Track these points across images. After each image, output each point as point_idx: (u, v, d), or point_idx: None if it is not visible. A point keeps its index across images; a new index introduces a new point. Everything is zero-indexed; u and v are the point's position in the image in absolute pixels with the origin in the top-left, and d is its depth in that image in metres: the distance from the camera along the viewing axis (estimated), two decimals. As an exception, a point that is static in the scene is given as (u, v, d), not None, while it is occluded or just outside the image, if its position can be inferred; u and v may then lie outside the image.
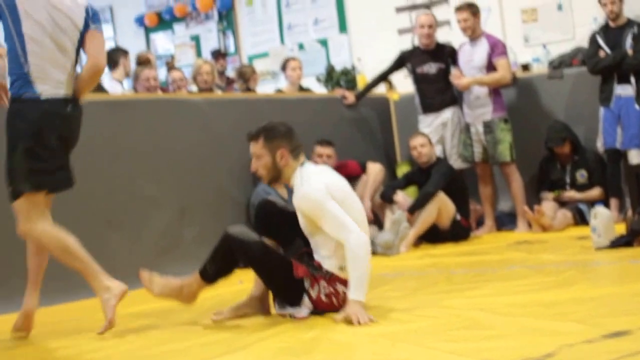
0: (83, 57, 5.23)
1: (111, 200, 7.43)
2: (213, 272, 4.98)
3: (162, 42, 14.34)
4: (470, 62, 9.19)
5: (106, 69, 6.27)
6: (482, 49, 9.16)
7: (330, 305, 4.84)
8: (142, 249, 7.52)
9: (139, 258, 7.20)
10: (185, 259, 7.38)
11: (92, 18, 5.14)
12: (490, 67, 9.10)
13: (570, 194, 8.97)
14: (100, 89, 9.13)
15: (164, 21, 14.22)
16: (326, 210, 4.75)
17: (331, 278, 4.84)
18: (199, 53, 13.82)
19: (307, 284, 4.81)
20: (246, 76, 10.36)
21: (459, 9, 9.27)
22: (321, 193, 4.81)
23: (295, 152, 5.00)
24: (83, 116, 5.21)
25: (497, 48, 9.13)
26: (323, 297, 4.83)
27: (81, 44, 5.13)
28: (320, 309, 4.84)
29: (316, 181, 4.86)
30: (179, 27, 14.17)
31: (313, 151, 8.83)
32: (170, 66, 10.69)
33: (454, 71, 9.23)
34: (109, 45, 12.75)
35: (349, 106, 9.80)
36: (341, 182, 5.03)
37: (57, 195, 5.20)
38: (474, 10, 9.19)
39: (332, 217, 4.74)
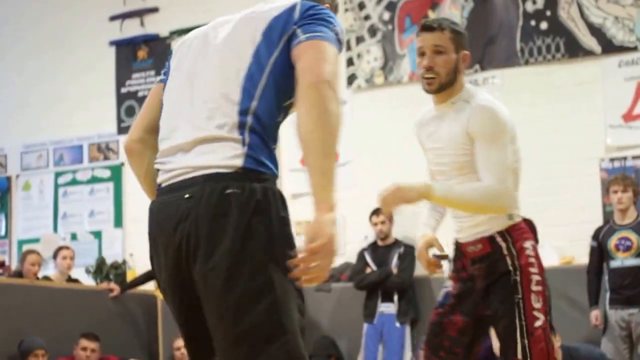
0: None
1: None
2: None
3: None
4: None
5: None
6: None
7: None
8: None
9: None
10: None
11: None
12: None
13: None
14: None
15: None
16: (502, 140, 3.89)
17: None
18: (-34, 234, 13.44)
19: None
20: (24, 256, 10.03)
21: None
22: (507, 119, 3.94)
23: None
24: None
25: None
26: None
27: None
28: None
29: (500, 105, 4.01)
30: (-51, 205, 13.79)
31: (77, 344, 8.63)
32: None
33: None
34: None
35: (114, 299, 9.67)
36: None
37: None
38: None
39: (501, 153, 3.87)
